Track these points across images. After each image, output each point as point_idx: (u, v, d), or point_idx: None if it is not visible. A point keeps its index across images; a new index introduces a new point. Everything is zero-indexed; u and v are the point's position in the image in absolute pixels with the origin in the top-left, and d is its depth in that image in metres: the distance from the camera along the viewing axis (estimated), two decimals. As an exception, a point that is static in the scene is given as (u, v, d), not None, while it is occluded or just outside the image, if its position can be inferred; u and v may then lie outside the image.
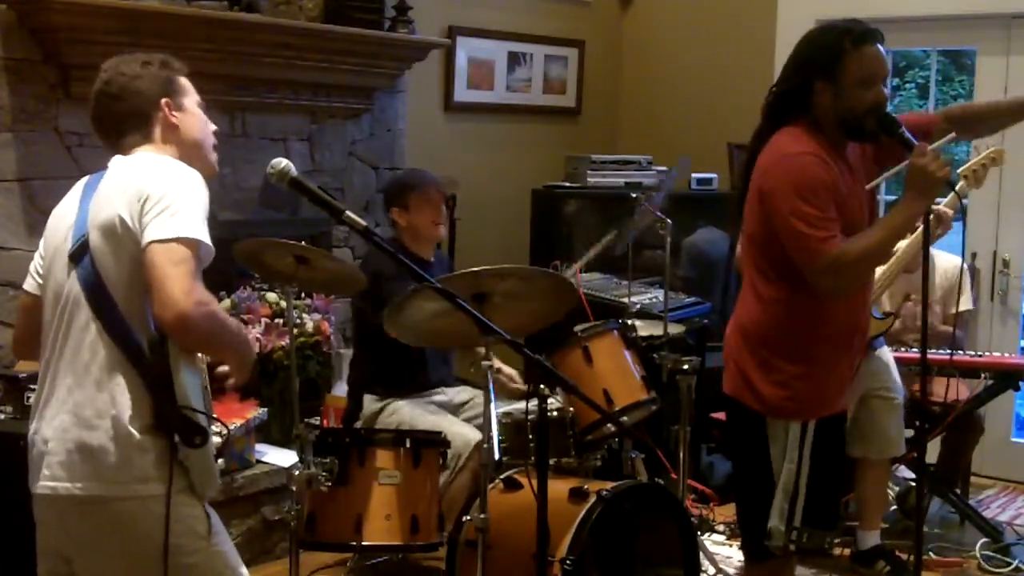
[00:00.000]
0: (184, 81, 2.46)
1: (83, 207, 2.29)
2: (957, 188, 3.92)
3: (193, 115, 2.44)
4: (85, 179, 2.40)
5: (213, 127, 2.51)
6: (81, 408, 2.21)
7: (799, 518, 2.77)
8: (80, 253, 2.24)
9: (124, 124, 2.38)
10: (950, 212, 4.01)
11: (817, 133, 2.73)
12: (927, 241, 2.92)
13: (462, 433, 3.77)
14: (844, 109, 2.71)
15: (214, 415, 2.32)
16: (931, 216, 2.94)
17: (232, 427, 3.95)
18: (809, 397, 2.78)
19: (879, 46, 2.74)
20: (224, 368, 2.42)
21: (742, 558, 4.23)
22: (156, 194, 2.18)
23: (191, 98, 2.45)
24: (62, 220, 2.34)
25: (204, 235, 2.18)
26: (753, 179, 2.78)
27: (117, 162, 2.35)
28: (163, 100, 2.38)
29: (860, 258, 2.66)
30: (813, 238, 2.61)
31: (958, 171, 4.05)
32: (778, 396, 2.77)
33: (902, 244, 2.94)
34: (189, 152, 2.39)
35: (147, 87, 2.38)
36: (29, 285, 2.42)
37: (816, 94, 2.72)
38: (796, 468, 2.76)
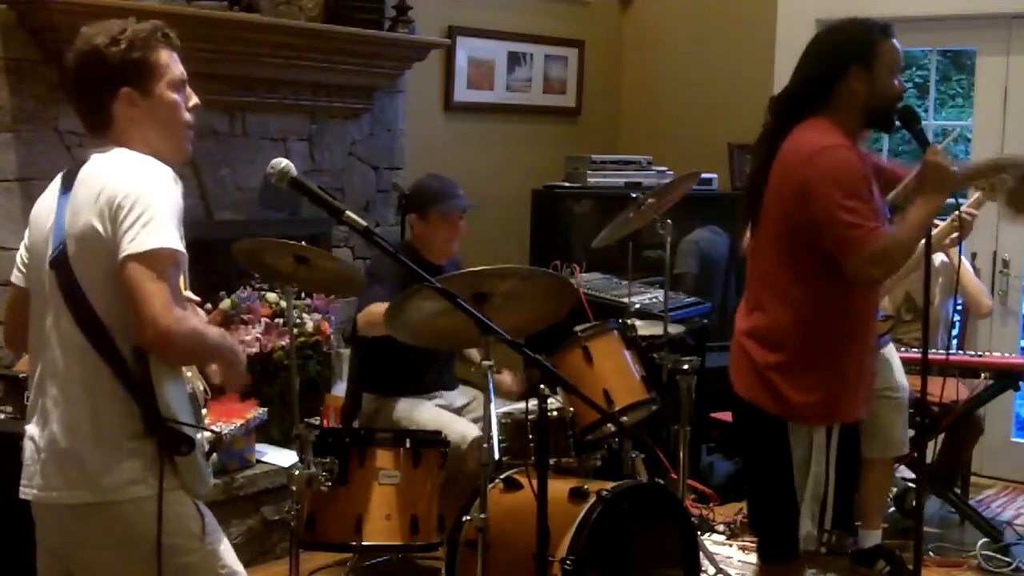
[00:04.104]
0: (157, 58, 2.27)
1: (60, 210, 2.24)
2: (975, 198, 3.99)
3: (161, 101, 2.27)
4: (63, 172, 2.33)
5: (194, 100, 2.35)
6: (69, 417, 2.20)
7: (829, 521, 2.77)
8: (59, 262, 2.20)
9: (86, 107, 2.28)
10: (975, 212, 4.07)
11: (839, 124, 2.76)
12: (928, 241, 2.93)
13: (461, 430, 3.77)
14: (875, 95, 2.76)
15: (203, 423, 2.31)
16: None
17: (230, 428, 3.95)
18: (839, 400, 2.79)
19: (896, 40, 2.83)
20: (214, 367, 2.42)
21: (742, 558, 4.25)
22: (127, 201, 2.12)
23: (164, 79, 2.27)
24: (43, 218, 2.29)
25: (177, 242, 2.14)
26: (784, 175, 2.75)
27: (91, 162, 2.26)
28: (123, 90, 2.24)
29: (900, 248, 2.72)
30: (862, 228, 2.63)
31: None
32: (806, 401, 2.76)
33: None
34: (156, 140, 2.28)
35: (107, 71, 2.24)
36: (16, 278, 2.39)
37: (850, 78, 2.75)
38: (824, 472, 2.76)
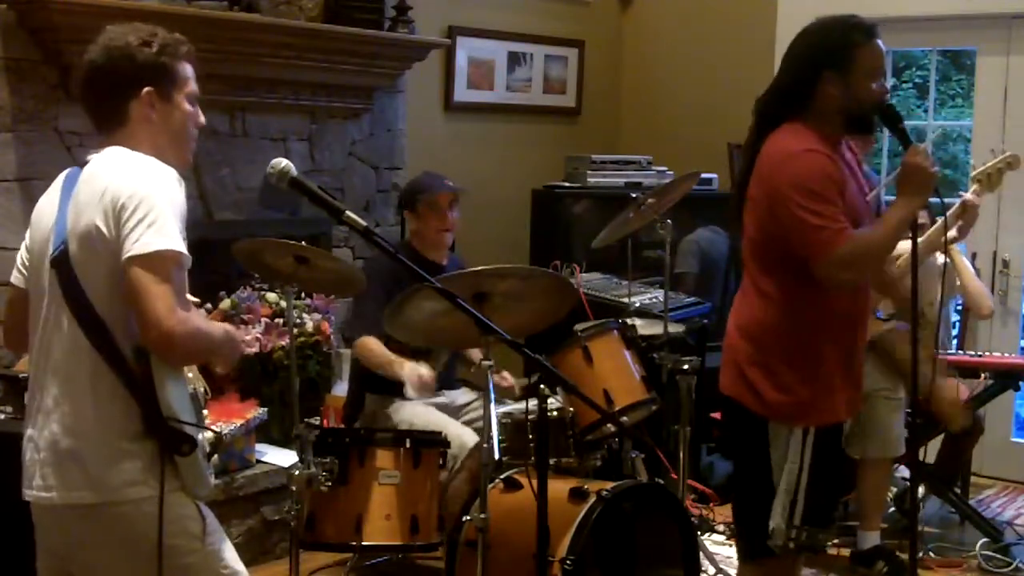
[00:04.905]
0: (182, 69, 2.32)
1: (62, 210, 2.24)
2: (972, 191, 3.95)
3: (178, 109, 2.32)
4: (65, 172, 2.33)
5: (202, 120, 2.40)
6: (69, 417, 2.20)
7: (799, 517, 2.77)
8: (61, 261, 2.20)
9: (103, 103, 2.29)
10: (978, 199, 3.98)
11: (815, 129, 2.73)
12: (915, 241, 2.92)
13: (459, 436, 3.77)
14: (851, 100, 2.72)
15: (204, 423, 2.32)
16: (918, 219, 2.96)
17: (230, 428, 3.95)
18: (817, 402, 2.77)
19: (880, 41, 2.77)
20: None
21: (742, 558, 4.24)
22: (131, 202, 2.13)
23: (184, 90, 2.33)
24: (45, 218, 2.29)
25: (181, 244, 2.15)
26: (757, 180, 2.77)
27: (94, 161, 2.27)
28: (146, 89, 2.27)
29: (870, 250, 2.70)
30: (827, 231, 2.61)
31: (972, 174, 4.08)
32: (784, 401, 2.75)
33: (905, 245, 2.93)
34: (164, 145, 2.30)
35: (135, 69, 2.26)
36: (15, 279, 2.39)
37: (825, 84, 2.72)
38: (798, 470, 2.76)
